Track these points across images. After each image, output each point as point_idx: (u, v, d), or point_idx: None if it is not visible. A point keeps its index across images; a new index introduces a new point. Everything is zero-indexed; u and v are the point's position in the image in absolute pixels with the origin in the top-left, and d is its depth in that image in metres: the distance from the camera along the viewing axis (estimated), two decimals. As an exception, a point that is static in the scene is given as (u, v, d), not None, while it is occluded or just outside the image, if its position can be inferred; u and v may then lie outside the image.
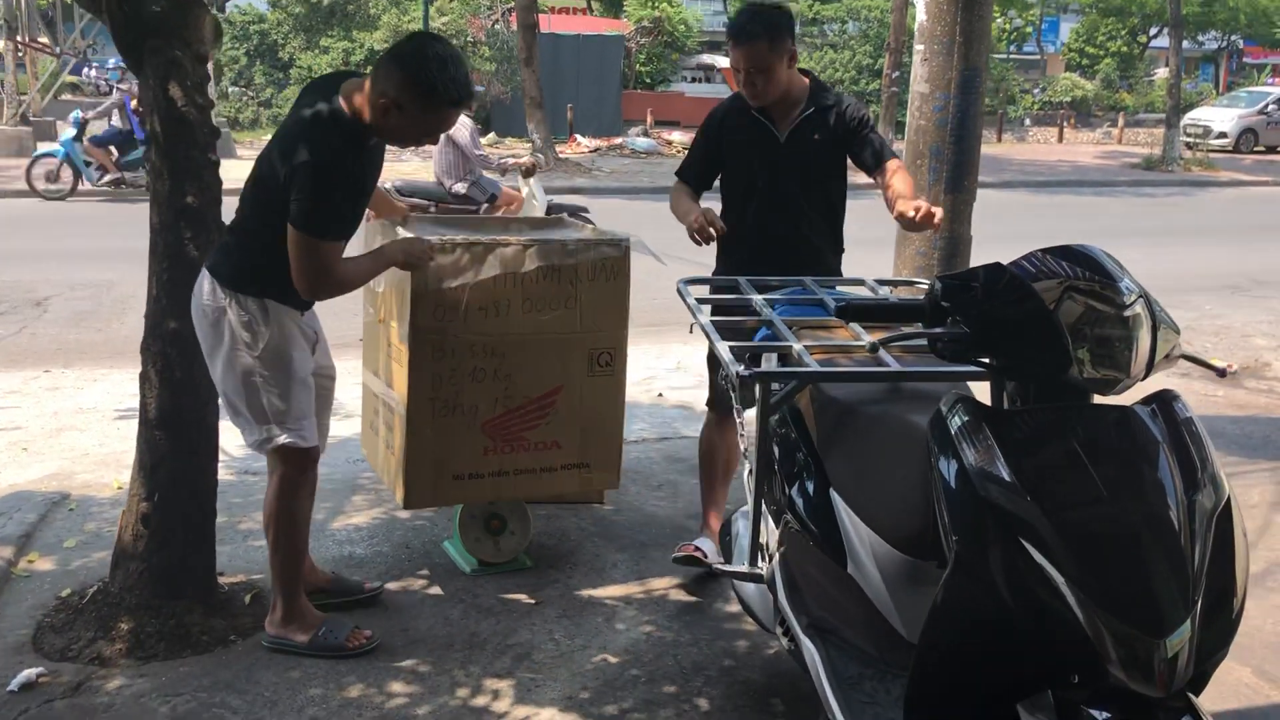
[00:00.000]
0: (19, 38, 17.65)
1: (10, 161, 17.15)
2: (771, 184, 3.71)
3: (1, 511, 4.26)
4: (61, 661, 3.21)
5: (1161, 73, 32.14)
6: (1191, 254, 12.13)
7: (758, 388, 2.66)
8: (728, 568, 2.94)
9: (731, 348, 2.74)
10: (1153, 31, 35.80)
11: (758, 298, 3.11)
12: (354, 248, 3.44)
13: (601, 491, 4.03)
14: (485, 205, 9.14)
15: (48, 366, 6.67)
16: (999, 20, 33.35)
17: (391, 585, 3.72)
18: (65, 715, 2.95)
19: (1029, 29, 37.15)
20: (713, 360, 3.77)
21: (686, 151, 4.03)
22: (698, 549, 3.73)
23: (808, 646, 2.50)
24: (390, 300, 3.65)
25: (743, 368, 2.56)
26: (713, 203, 3.77)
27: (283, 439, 3.17)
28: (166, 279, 3.34)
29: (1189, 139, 24.88)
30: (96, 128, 14.09)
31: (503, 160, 9.17)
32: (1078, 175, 20.75)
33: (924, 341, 2.09)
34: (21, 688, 3.05)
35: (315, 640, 3.26)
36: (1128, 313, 1.88)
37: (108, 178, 13.70)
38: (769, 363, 2.89)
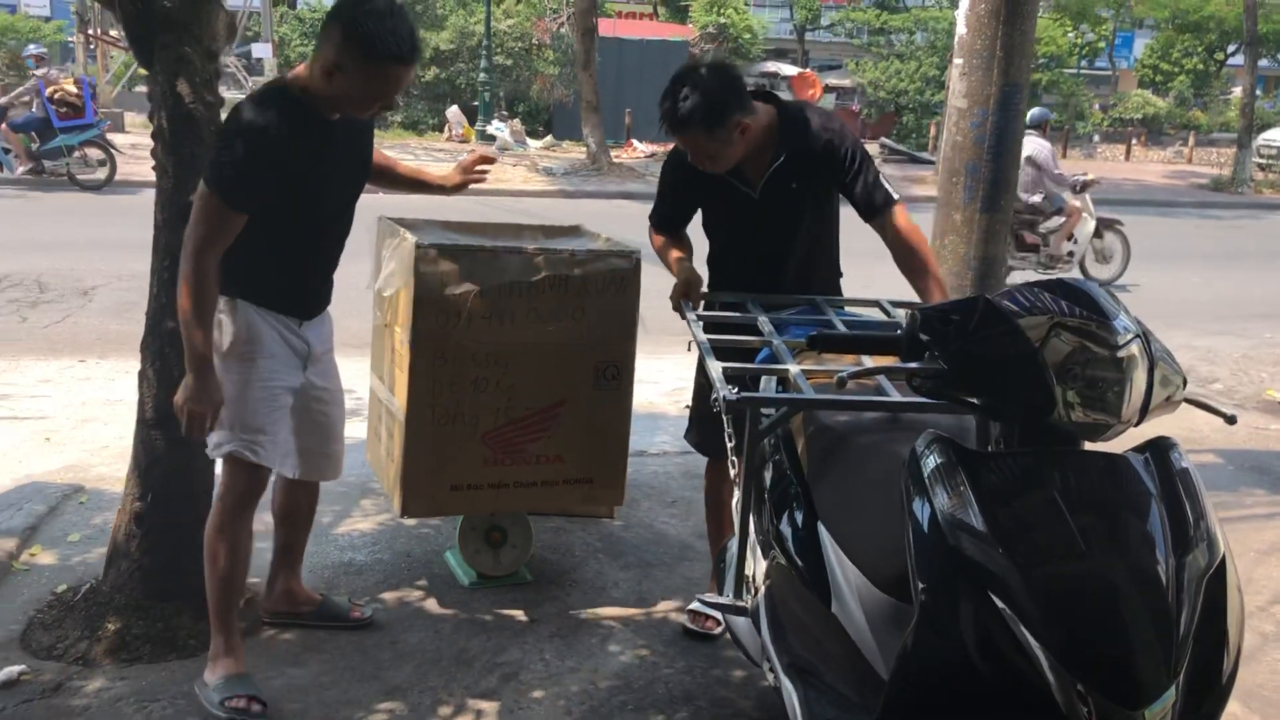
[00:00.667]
0: (91, 31, 17.96)
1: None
2: (753, 238, 3.31)
3: (12, 503, 4.27)
4: (47, 660, 3.18)
5: (1238, 91, 31.34)
6: (1255, 279, 11.75)
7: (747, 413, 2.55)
8: (711, 599, 2.82)
9: (726, 369, 2.63)
10: (1230, 49, 34.91)
11: (762, 317, 3.00)
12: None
13: (613, 506, 3.92)
14: (1053, 215, 10.34)
15: (84, 356, 6.72)
16: (1070, 34, 32.75)
17: (387, 595, 3.66)
18: (40, 716, 2.92)
19: (1101, 44, 36.43)
20: (699, 393, 3.50)
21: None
22: (709, 620, 3.50)
23: (787, 687, 2.38)
24: (396, 305, 3.58)
25: (730, 391, 2.45)
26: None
27: (229, 446, 2.96)
28: (167, 277, 3.30)
29: (1262, 160, 24.14)
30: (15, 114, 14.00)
31: (1075, 177, 10.41)
32: (1142, 195, 20.25)
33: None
34: (2, 685, 3.02)
35: (202, 689, 2.98)
36: (1121, 353, 1.74)
37: (23, 168, 13.71)
38: (768, 386, 2.78)
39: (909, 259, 3.21)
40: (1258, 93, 26.32)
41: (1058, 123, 29.59)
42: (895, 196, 3.22)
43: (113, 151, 13.85)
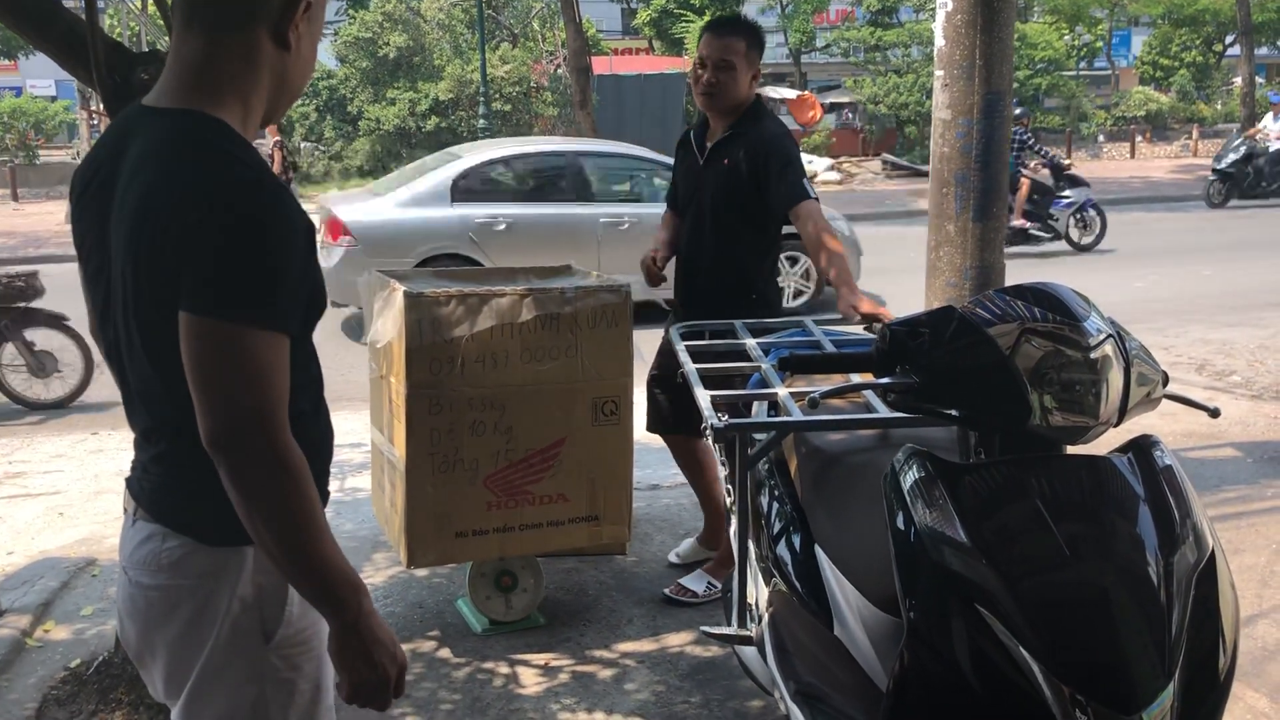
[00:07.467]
0: (93, 107, 18.26)
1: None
2: (691, 209, 3.78)
3: (26, 579, 4.28)
4: (61, 735, 3.18)
5: (1239, 82, 31.21)
6: (1267, 268, 11.65)
7: (737, 440, 2.53)
8: (714, 630, 2.80)
9: (715, 396, 2.62)
10: (1229, 40, 34.86)
11: (751, 341, 2.99)
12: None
13: (623, 543, 3.90)
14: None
15: (96, 429, 6.76)
16: (1067, 37, 32.76)
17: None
18: (55, 793, 2.91)
19: (1099, 44, 36.42)
20: (651, 383, 3.99)
21: None
22: (684, 589, 3.88)
23: (795, 714, 2.34)
24: (390, 355, 3.59)
25: (718, 419, 2.43)
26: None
27: None
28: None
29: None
30: None
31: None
32: (1150, 191, 20.17)
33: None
34: (17, 764, 3.02)
35: None
36: (1094, 354, 1.72)
37: None
38: (760, 411, 2.76)
39: (817, 251, 3.46)
40: (1259, 80, 26.19)
41: (1059, 125, 29.54)
42: (812, 195, 3.54)
43: None
